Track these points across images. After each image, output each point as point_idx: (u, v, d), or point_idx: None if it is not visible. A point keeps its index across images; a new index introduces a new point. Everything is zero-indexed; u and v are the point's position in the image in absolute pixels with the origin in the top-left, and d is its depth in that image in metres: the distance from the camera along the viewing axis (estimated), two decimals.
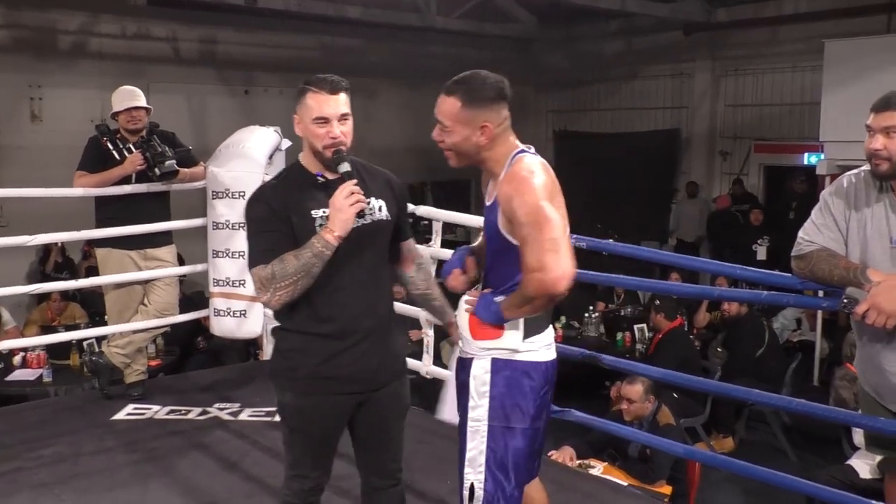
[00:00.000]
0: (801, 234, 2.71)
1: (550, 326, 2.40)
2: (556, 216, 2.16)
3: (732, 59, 12.07)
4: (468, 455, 2.30)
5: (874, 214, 2.58)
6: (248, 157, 4.54)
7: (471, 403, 2.30)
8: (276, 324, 2.54)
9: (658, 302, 6.87)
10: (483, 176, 2.42)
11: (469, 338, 2.34)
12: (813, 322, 7.91)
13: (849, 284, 2.55)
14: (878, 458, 3.11)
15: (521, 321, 2.26)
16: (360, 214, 2.39)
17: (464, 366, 2.36)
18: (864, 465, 4.34)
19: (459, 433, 2.37)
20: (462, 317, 2.37)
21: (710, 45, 12.03)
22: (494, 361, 2.27)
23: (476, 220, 4.20)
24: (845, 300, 2.54)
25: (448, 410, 2.66)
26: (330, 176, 2.46)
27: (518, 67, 13.54)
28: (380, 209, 2.50)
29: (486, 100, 2.25)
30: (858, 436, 4.38)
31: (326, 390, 2.45)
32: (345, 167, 2.42)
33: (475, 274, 2.51)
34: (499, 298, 2.29)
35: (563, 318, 7.84)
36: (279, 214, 2.39)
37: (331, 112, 2.40)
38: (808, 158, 10.45)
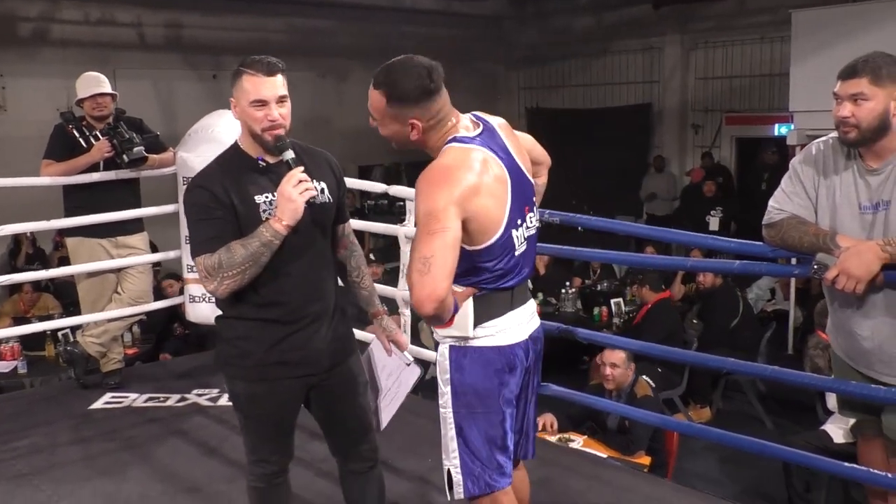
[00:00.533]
0: (771, 202, 2.73)
1: (520, 308, 2.30)
2: (444, 228, 2.01)
3: (702, 31, 12.10)
4: (442, 442, 2.29)
5: (843, 181, 2.61)
6: (219, 142, 4.46)
7: (439, 391, 2.28)
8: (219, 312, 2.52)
9: (641, 276, 6.93)
10: None
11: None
12: (787, 291, 8.00)
13: (819, 251, 2.57)
14: (851, 421, 3.15)
15: (470, 309, 2.20)
16: (310, 202, 2.35)
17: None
18: (837, 430, 4.41)
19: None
20: None
21: (680, 18, 12.05)
22: (451, 349, 2.24)
23: None
24: (815, 266, 2.56)
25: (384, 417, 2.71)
26: (271, 160, 2.43)
27: (489, 45, 13.51)
28: (322, 192, 2.47)
29: (411, 100, 2.12)
30: (832, 400, 4.45)
31: (277, 375, 2.44)
32: (289, 154, 2.38)
33: None
34: None
35: (540, 295, 7.87)
36: (222, 201, 2.34)
37: (268, 94, 2.36)
38: (779, 129, 10.53)
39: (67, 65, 9.07)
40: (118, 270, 4.61)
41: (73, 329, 5.31)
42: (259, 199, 2.38)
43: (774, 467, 4.83)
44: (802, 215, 2.66)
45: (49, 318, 6.63)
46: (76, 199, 4.50)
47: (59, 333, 6.18)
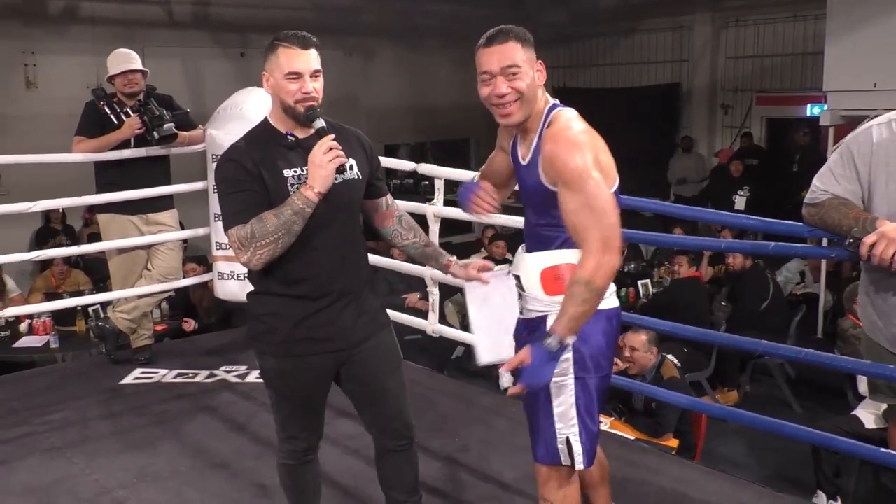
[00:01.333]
0: (816, 181, 2.63)
1: None
2: (615, 209, 2.15)
3: (733, 9, 11.92)
4: (557, 410, 2.28)
5: None
6: (247, 119, 4.47)
7: None
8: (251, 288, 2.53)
9: (693, 255, 6.99)
10: (512, 133, 2.36)
11: (541, 296, 2.29)
12: (817, 274, 7.89)
13: None
14: (884, 407, 3.10)
15: None
16: (340, 170, 2.36)
17: (536, 324, 2.30)
18: (869, 416, 4.35)
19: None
20: (530, 275, 2.31)
21: None
22: None
23: None
24: (850, 240, 2.49)
25: (484, 352, 2.50)
26: (300, 135, 2.42)
27: (514, 24, 13.28)
28: (351, 168, 2.46)
29: (533, 44, 2.27)
30: (864, 385, 4.39)
31: (304, 351, 2.45)
32: (319, 123, 2.39)
33: (495, 194, 2.53)
34: (553, 337, 2.12)
35: None
36: (252, 173, 2.34)
37: (303, 67, 2.36)
38: (811, 109, 10.37)
39: (97, 42, 9.12)
40: (148, 247, 4.65)
41: (104, 305, 5.37)
42: (287, 173, 2.38)
43: (802, 452, 4.78)
44: (848, 199, 2.57)
45: (80, 293, 6.70)
46: (107, 175, 4.53)
47: (90, 309, 6.24)
